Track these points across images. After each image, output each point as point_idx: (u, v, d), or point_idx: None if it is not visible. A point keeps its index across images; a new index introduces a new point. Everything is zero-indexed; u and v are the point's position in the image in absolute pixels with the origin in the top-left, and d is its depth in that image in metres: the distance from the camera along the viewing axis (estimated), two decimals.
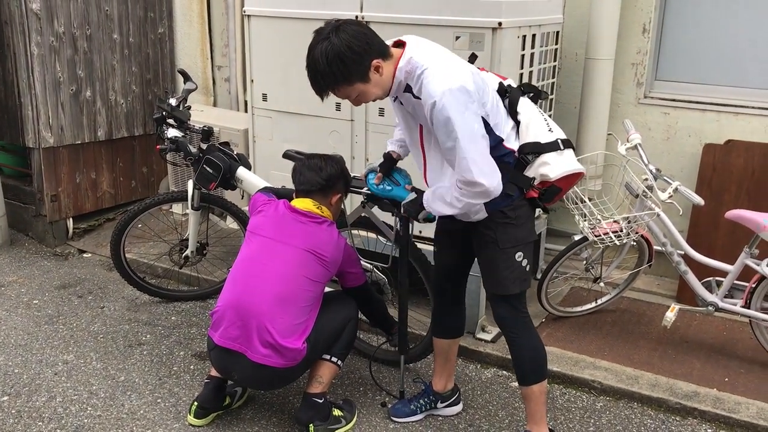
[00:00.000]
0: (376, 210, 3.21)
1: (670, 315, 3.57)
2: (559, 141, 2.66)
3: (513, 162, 2.64)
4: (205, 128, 3.70)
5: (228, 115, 5.24)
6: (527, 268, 2.74)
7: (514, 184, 2.63)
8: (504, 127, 2.62)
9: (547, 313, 3.96)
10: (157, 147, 3.80)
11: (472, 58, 2.81)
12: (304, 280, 2.92)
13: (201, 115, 4.94)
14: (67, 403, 3.30)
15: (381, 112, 3.77)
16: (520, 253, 2.70)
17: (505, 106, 2.67)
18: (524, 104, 2.68)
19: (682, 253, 3.66)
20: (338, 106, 3.88)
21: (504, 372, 3.58)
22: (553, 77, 4.04)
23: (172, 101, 3.78)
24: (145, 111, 5.44)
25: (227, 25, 5.39)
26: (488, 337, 3.73)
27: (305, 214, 3.00)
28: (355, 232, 3.49)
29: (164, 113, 3.78)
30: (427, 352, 3.48)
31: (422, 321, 3.63)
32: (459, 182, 2.50)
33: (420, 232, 3.74)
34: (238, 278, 2.97)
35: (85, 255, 5.01)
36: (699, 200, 3.40)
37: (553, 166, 2.62)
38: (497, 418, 3.24)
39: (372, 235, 3.51)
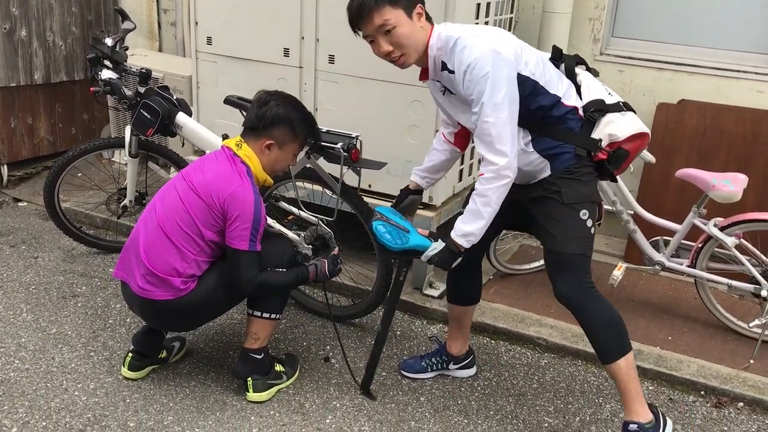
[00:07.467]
0: (321, 161, 3.09)
1: (617, 273, 3.56)
2: (621, 103, 2.56)
3: (578, 125, 2.52)
4: (143, 70, 3.51)
5: (173, 61, 5.01)
6: (592, 230, 2.55)
7: (583, 148, 2.52)
8: (558, 84, 2.52)
9: (495, 270, 3.92)
10: (91, 89, 3.59)
11: (556, 52, 2.68)
12: (185, 215, 2.70)
13: (145, 60, 4.72)
14: None
15: (331, 59, 3.62)
16: (585, 211, 2.53)
17: (560, 70, 2.60)
18: (580, 69, 2.63)
19: (632, 212, 3.64)
20: (286, 52, 3.72)
21: None
22: (510, 30, 3.93)
23: (108, 41, 3.56)
24: (86, 54, 5.16)
25: None
26: (435, 293, 3.68)
27: (220, 149, 2.82)
28: (299, 184, 3.37)
29: (99, 54, 3.57)
30: (372, 307, 3.41)
31: (368, 276, 3.56)
32: (481, 170, 2.44)
33: (369, 186, 3.64)
34: (140, 218, 2.89)
35: (20, 204, 4.78)
36: (651, 158, 3.37)
37: (620, 125, 2.51)
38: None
39: (318, 188, 3.40)
